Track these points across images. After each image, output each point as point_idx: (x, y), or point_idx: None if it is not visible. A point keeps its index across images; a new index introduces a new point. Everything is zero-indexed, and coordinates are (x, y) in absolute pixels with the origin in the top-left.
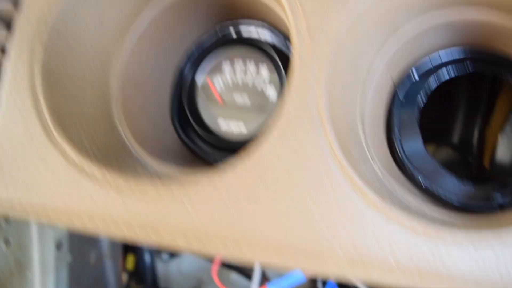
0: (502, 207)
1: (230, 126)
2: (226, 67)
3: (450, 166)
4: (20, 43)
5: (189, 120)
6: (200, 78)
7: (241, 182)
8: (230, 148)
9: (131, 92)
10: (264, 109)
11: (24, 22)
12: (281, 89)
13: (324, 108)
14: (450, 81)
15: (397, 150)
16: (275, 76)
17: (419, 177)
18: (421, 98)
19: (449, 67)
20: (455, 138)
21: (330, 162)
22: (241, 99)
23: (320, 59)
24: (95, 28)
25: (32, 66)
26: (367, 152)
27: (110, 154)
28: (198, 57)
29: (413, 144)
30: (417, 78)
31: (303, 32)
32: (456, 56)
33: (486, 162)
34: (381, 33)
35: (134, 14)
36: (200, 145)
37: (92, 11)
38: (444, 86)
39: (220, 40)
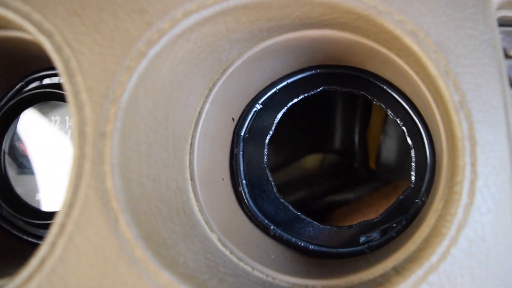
0: (370, 248)
1: (49, 195)
2: (38, 126)
3: (337, 173)
4: None
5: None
6: (9, 143)
7: None
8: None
9: None
10: None
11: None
12: None
13: (116, 192)
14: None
15: (245, 200)
16: None
17: (272, 228)
18: (268, 128)
19: (296, 89)
20: (337, 144)
21: (133, 263)
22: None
23: (106, 126)
24: None
25: None
26: (202, 222)
27: None
28: (3, 118)
29: (263, 188)
30: (259, 107)
31: (79, 92)
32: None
33: (372, 164)
34: (204, 76)
35: None
36: (19, 225)
37: None
38: (321, 96)
39: (27, 96)
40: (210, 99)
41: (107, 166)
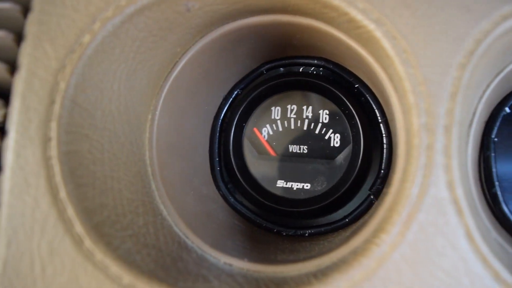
0: None
1: (288, 183)
2: (277, 114)
3: None
4: (24, 118)
5: (238, 182)
6: (246, 129)
7: None
8: (292, 209)
9: (169, 159)
10: (329, 161)
11: (26, 92)
12: (352, 139)
13: (458, 186)
14: None
15: (500, 203)
16: (340, 123)
17: None
18: None
19: None
20: None
21: (467, 252)
22: (298, 150)
23: (447, 120)
24: (121, 89)
25: (45, 150)
26: (486, 221)
27: (165, 257)
28: (243, 104)
29: None
30: (508, 110)
31: (419, 84)
32: None
33: None
34: (487, 78)
35: (168, 65)
36: (255, 211)
37: (118, 68)
38: None
39: (269, 83)
40: (483, 100)
41: (450, 159)
